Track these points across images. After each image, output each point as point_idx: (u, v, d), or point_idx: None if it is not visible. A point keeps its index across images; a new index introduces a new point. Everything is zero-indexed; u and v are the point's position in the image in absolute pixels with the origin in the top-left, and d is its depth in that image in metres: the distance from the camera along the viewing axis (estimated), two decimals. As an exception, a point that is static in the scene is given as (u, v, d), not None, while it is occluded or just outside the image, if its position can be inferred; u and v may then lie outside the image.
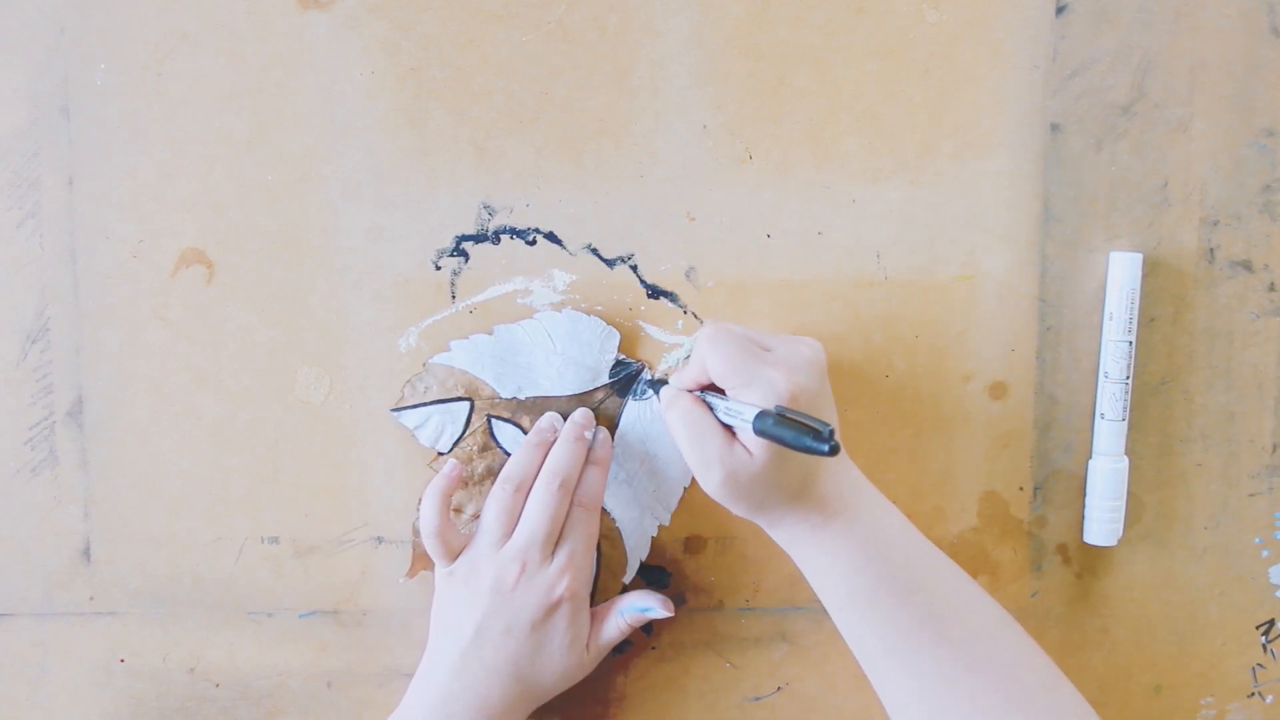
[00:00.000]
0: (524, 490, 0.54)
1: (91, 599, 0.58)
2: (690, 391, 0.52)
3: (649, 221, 0.56)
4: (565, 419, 0.56)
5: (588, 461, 0.56)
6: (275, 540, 0.57)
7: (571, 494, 0.54)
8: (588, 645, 0.55)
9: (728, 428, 0.50)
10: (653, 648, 0.59)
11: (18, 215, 0.56)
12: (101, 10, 0.55)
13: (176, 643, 0.58)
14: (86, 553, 0.58)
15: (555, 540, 0.54)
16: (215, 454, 0.57)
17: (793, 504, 0.50)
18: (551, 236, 0.56)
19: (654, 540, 0.58)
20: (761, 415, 0.46)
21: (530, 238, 0.56)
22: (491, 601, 0.53)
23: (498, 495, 0.54)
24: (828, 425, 0.44)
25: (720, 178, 0.56)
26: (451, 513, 0.56)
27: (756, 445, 0.49)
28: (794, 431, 0.45)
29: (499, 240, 0.56)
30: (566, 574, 0.53)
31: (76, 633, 0.58)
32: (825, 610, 0.51)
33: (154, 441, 0.57)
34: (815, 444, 0.44)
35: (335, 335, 0.57)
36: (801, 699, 0.59)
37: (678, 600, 0.58)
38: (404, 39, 0.55)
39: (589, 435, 0.56)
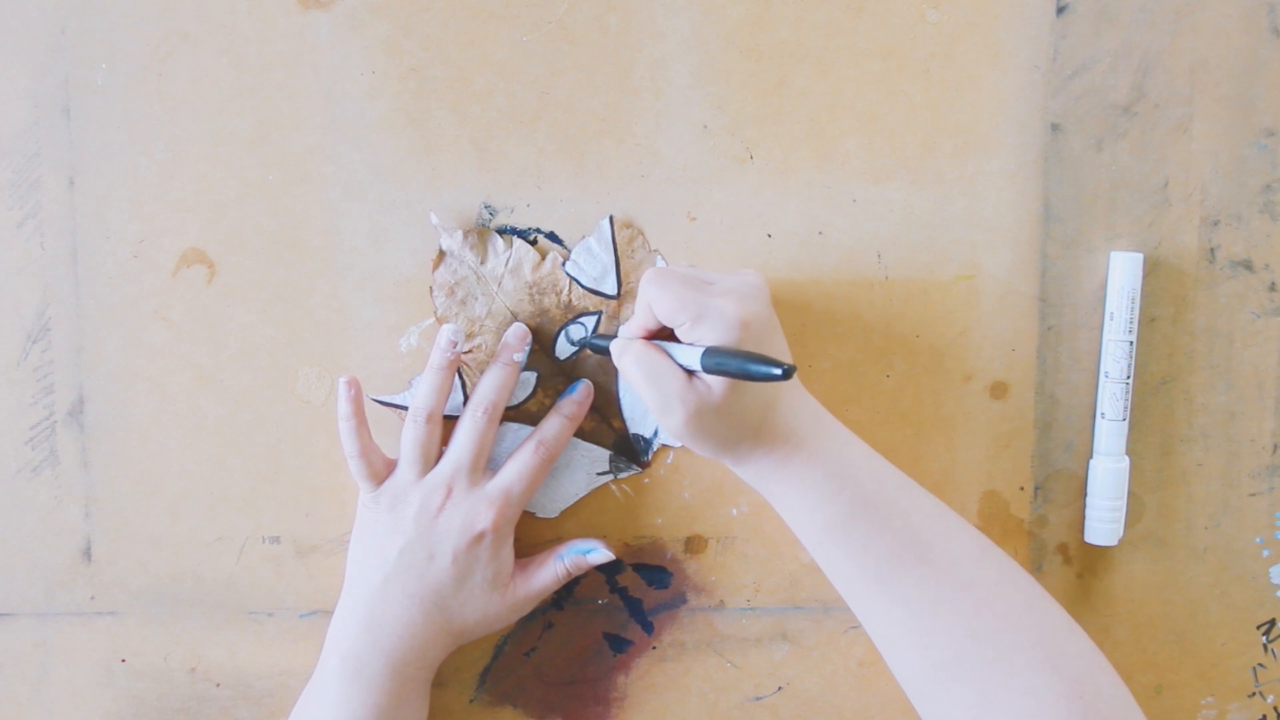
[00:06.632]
0: (435, 418, 0.54)
1: (92, 599, 0.58)
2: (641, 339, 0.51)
3: (649, 221, 0.56)
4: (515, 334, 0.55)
5: (559, 413, 0.55)
6: (276, 540, 0.57)
7: (499, 418, 0.54)
8: (515, 587, 0.54)
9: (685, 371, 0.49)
10: (653, 648, 0.59)
11: (18, 215, 0.56)
12: (102, 10, 0.55)
13: (177, 642, 0.58)
14: (87, 552, 0.58)
15: (483, 466, 0.54)
16: (216, 454, 0.57)
17: (756, 439, 0.50)
18: (552, 236, 0.56)
19: (654, 540, 0.58)
20: (710, 351, 0.46)
21: (531, 237, 0.56)
22: (416, 527, 0.53)
23: (410, 428, 0.54)
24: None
25: (721, 178, 0.56)
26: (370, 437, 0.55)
27: (714, 381, 0.48)
28: (745, 360, 0.44)
29: (500, 240, 0.56)
30: (494, 506, 0.53)
31: (77, 633, 0.58)
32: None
33: (155, 441, 0.57)
34: (767, 368, 0.43)
35: (336, 335, 0.57)
36: (802, 699, 0.59)
37: (678, 600, 0.58)
38: (405, 39, 0.55)
39: (519, 358, 0.55)
